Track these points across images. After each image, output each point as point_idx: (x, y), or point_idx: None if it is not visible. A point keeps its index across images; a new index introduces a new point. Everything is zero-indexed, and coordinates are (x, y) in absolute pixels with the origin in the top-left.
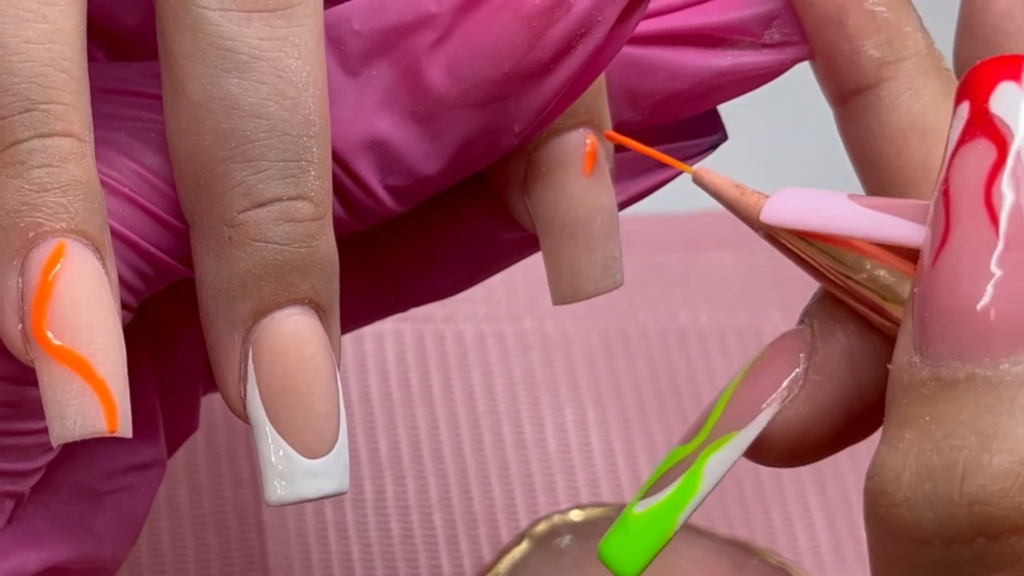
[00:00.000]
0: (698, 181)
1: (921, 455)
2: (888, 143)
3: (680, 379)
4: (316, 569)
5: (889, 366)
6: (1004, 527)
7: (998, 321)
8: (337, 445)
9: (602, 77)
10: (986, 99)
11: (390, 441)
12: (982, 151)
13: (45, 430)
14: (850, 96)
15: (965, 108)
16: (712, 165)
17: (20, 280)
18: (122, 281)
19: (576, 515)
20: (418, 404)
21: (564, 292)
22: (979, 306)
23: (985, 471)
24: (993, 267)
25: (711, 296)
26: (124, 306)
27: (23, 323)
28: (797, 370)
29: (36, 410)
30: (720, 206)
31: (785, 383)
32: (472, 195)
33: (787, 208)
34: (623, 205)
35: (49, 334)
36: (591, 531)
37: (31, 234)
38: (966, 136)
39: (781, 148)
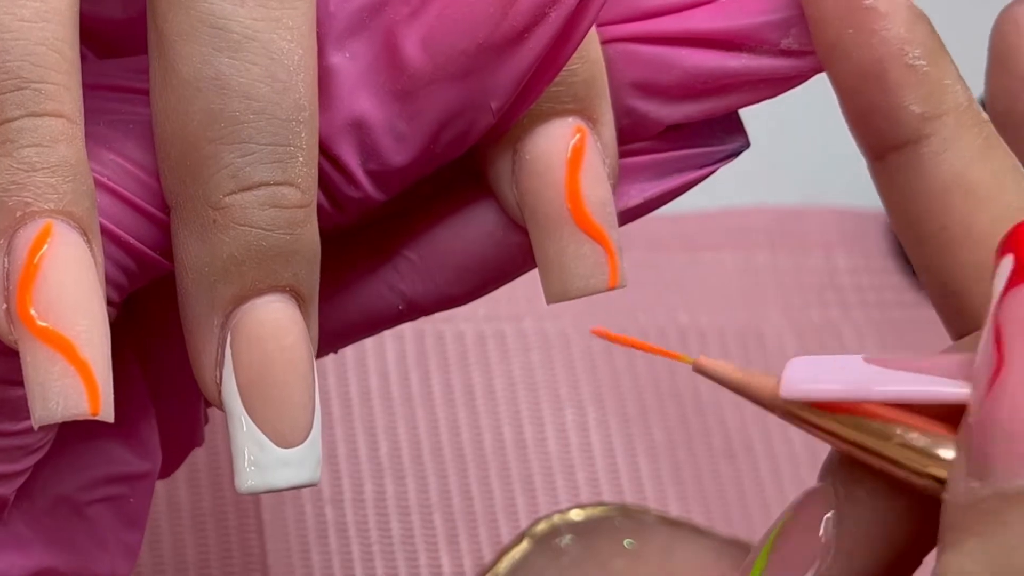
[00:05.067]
0: (700, 370)
1: (991, 558)
2: (930, 200)
3: (680, 379)
4: (316, 569)
5: (944, 495)
6: None
7: None
8: (311, 436)
9: (596, 68)
10: None
11: (390, 441)
12: None
13: (26, 431)
14: (888, 152)
15: (1009, 260)
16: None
17: (6, 260)
18: (104, 276)
19: (576, 515)
20: (418, 404)
21: (554, 288)
22: None
23: None
24: None
25: (711, 296)
26: (108, 302)
27: (7, 303)
28: (826, 537)
29: (16, 411)
30: (721, 206)
31: (818, 553)
32: (475, 193)
33: (804, 380)
34: (640, 208)
35: (33, 314)
36: (591, 531)
37: (18, 214)
38: (1015, 281)
39: (783, 150)
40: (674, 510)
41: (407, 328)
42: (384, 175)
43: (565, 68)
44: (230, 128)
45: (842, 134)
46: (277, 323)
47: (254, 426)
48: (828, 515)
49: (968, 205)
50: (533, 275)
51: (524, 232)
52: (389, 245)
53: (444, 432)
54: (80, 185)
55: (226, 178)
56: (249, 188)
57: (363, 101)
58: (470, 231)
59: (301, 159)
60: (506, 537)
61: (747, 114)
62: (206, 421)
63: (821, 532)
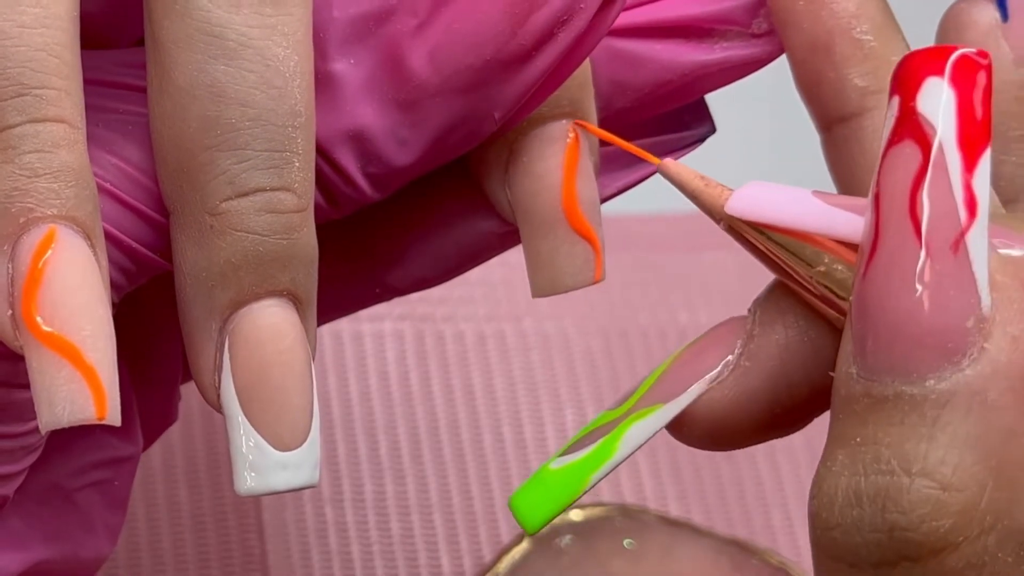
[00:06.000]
0: (664, 172)
1: (851, 480)
2: (868, 172)
3: None
4: (316, 569)
5: (832, 373)
6: (924, 551)
7: (923, 337)
8: (309, 438)
9: (587, 69)
10: (914, 96)
11: (390, 441)
12: (908, 155)
13: (29, 432)
14: (834, 123)
15: (895, 104)
16: (711, 159)
17: (10, 266)
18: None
19: (576, 515)
20: (418, 404)
21: (542, 284)
22: (905, 321)
23: (905, 498)
24: (917, 281)
25: (711, 296)
26: None
27: (12, 309)
28: (731, 356)
29: (21, 412)
30: None
31: (717, 365)
32: (453, 184)
33: (751, 201)
34: (610, 197)
35: (39, 320)
36: (591, 531)
37: (22, 220)
38: (895, 137)
39: (780, 142)
40: (674, 510)
41: (407, 328)
42: (383, 177)
43: None
44: (226, 135)
45: None
46: (275, 327)
47: (252, 429)
48: (740, 339)
49: None
50: None
51: (500, 219)
52: (368, 233)
53: (444, 432)
54: (83, 190)
55: (222, 184)
56: (245, 194)
57: (365, 108)
58: (448, 220)
59: (297, 164)
60: (506, 537)
61: (749, 117)
62: (179, 398)
63: (729, 351)
